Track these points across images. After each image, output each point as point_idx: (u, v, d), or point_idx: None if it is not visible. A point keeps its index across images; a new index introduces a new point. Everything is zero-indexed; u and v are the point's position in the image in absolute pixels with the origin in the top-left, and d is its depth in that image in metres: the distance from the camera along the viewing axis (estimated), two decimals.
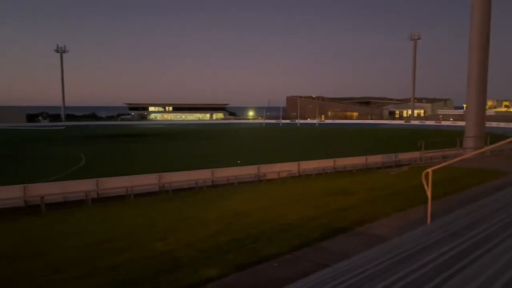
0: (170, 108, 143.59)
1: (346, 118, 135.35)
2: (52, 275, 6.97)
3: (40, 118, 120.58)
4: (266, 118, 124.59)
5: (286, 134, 72.26)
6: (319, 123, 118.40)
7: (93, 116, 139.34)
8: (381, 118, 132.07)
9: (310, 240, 8.37)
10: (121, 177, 21.52)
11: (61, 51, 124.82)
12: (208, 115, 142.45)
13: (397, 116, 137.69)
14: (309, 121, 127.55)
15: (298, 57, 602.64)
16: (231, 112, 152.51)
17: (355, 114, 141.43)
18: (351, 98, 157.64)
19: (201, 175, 23.22)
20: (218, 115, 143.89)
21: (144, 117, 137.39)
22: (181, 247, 8.37)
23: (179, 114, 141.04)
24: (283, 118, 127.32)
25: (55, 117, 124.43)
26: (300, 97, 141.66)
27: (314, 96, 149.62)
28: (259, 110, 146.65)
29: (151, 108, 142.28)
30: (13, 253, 8.96)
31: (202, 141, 57.30)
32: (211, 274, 6.63)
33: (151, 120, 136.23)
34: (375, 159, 31.53)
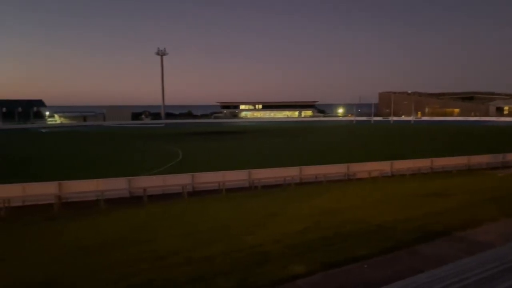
0: (260, 106, 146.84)
1: (445, 115, 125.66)
2: (155, 261, 7.60)
3: (143, 116, 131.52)
4: (356, 116, 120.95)
5: (377, 132, 69.49)
6: (414, 121, 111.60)
7: (189, 114, 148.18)
8: (487, 115, 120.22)
9: (402, 243, 8.02)
10: (214, 172, 22.55)
11: (161, 53, 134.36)
12: (296, 113, 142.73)
13: (506, 112, 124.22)
14: (403, 118, 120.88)
15: (392, 51, 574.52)
16: (320, 109, 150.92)
17: (456, 110, 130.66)
18: (452, 93, 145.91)
19: (289, 172, 23.37)
20: (307, 113, 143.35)
21: (235, 115, 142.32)
22: (270, 242, 8.57)
23: (268, 112, 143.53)
24: (375, 115, 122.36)
25: (156, 116, 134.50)
26: (394, 93, 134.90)
27: (409, 91, 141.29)
28: (349, 107, 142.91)
29: (242, 106, 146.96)
30: (123, 240, 9.96)
31: (290, 138, 57.62)
32: (299, 271, 6.70)
33: (242, 117, 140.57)
34: (479, 159, 28.87)
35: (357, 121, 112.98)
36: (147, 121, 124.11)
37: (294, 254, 7.62)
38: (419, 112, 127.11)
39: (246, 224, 10.92)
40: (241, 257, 7.59)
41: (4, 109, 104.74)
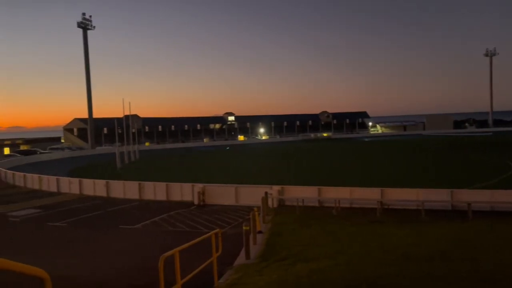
0: None
1: None
2: (480, 283, 6.99)
3: (466, 124, 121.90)
4: None
5: None
6: None
7: None
8: None
9: None
10: None
11: (490, 54, 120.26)
12: None
13: None
14: None
15: None
16: None
17: None
18: None
19: None
20: None
21: None
22: None
23: None
24: None
25: (482, 123, 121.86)
26: None
27: None
28: None
29: None
30: (443, 253, 9.63)
31: None
32: None
33: None
34: None
35: None
36: (472, 129, 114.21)
37: None
38: None
39: None
40: None
41: (334, 121, 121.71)
